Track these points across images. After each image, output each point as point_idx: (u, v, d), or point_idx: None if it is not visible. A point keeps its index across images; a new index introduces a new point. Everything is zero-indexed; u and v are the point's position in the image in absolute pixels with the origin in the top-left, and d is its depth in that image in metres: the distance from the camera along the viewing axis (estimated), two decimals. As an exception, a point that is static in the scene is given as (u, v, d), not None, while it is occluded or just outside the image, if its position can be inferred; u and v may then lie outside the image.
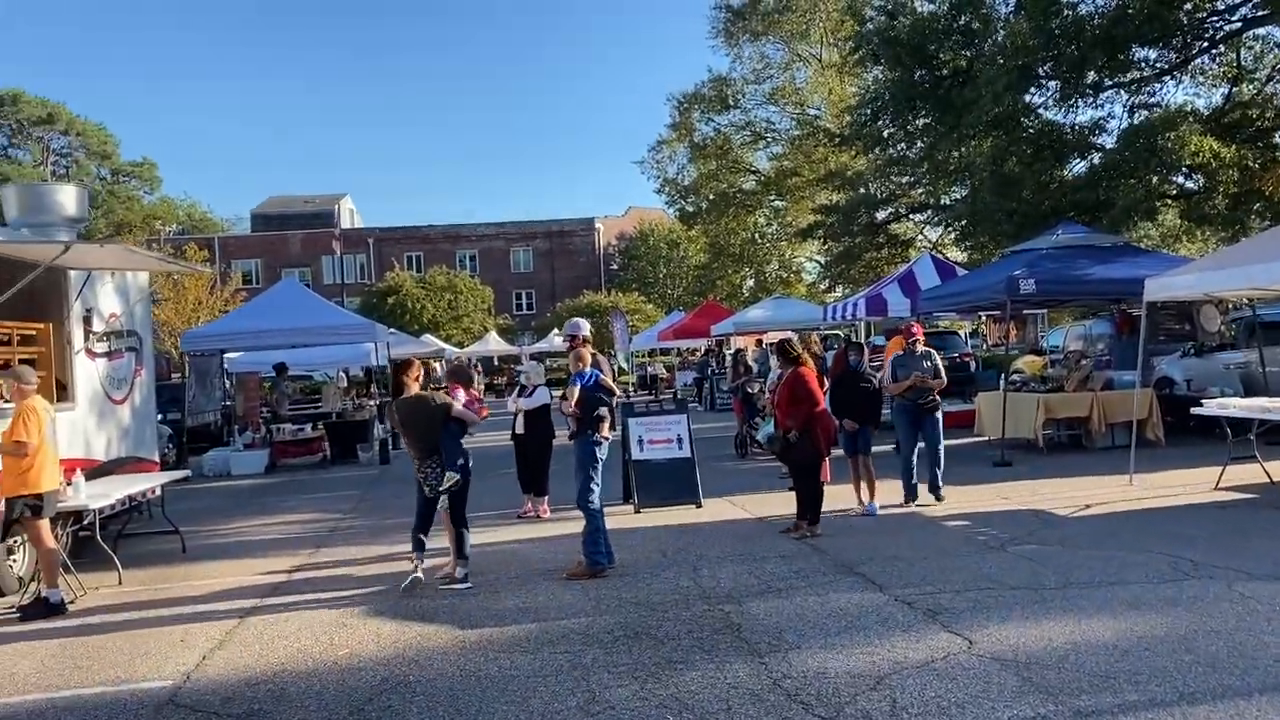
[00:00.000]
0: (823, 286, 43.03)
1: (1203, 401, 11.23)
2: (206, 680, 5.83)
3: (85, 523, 8.67)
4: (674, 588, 7.33)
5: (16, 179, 48.77)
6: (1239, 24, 20.08)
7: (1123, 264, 14.25)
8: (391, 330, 25.46)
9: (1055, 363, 17.85)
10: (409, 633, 6.57)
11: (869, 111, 24.76)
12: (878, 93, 24.78)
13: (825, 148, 38.17)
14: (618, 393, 9.24)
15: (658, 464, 11.15)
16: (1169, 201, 21.40)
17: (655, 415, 11.65)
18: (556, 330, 42.73)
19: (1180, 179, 20.33)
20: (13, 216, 10.83)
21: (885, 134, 25.65)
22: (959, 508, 9.98)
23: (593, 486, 8.00)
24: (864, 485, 10.05)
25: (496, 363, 49.28)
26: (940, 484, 10.38)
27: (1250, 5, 19.34)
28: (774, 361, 10.42)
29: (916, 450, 10.44)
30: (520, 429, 11.21)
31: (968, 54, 21.66)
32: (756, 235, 48.26)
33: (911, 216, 35.34)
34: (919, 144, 25.26)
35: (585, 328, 10.33)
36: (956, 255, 29.02)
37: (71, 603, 7.86)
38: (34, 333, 9.57)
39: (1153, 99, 21.46)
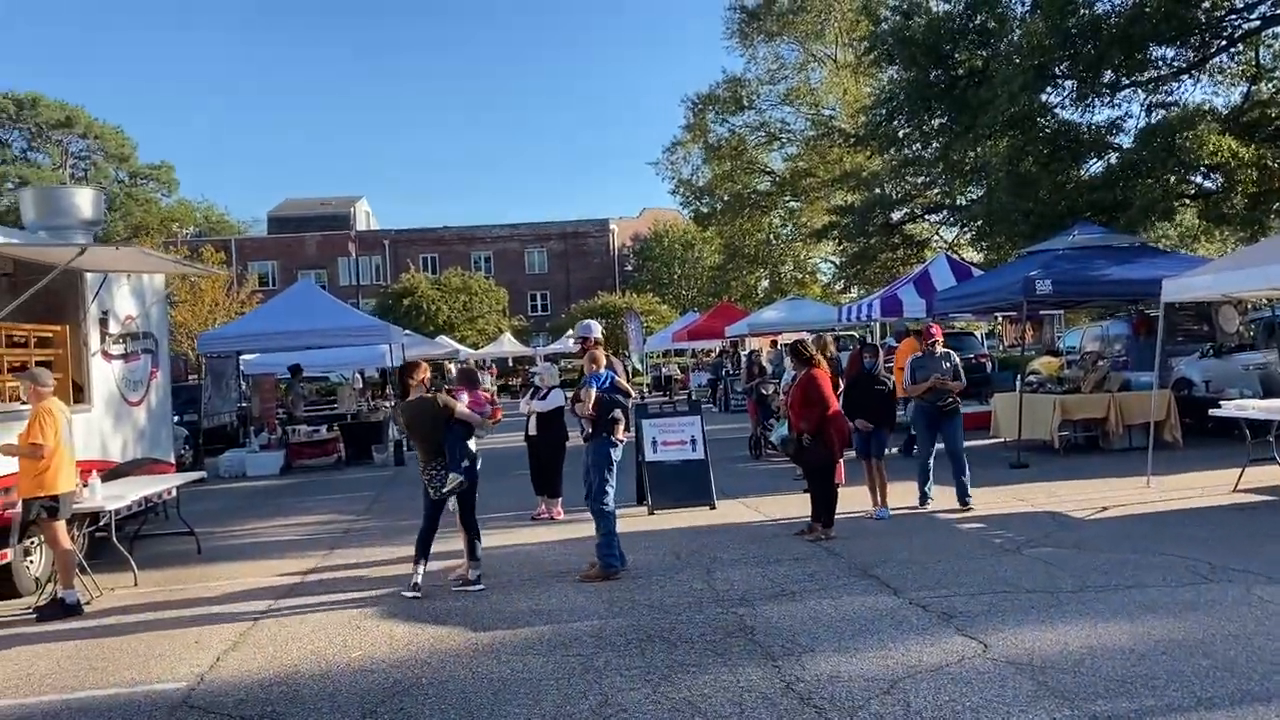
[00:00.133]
0: (838, 287, 42.88)
1: (1221, 403, 11.15)
2: (220, 682, 5.85)
3: (101, 524, 8.72)
4: (687, 590, 7.32)
5: (36, 182, 49.21)
6: (1258, 22, 19.89)
7: (1140, 264, 14.16)
8: (406, 332, 25.56)
9: (1072, 364, 17.71)
10: (422, 635, 6.57)
11: (884, 112, 24.74)
12: (893, 93, 24.74)
13: (840, 148, 38.05)
14: (633, 394, 9.21)
15: (671, 465, 11.11)
16: (1187, 201, 21.22)
17: (669, 416, 11.59)
18: (570, 332, 42.74)
19: (1198, 179, 20.16)
20: (30, 220, 10.91)
21: (900, 134, 25.61)
22: (974, 510, 9.91)
23: (607, 489, 7.99)
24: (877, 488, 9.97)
25: (511, 364, 49.38)
26: (969, 491, 10.01)
27: (1269, 3, 19.17)
28: (788, 363, 10.34)
29: (933, 454, 10.32)
30: (533, 430, 11.23)
31: (983, 54, 21.58)
32: (771, 236, 48.18)
33: (927, 217, 35.16)
34: (934, 144, 25.18)
35: (596, 329, 10.25)
36: (972, 256, 28.86)
37: (88, 604, 7.91)
38: (51, 335, 9.64)
39: (1170, 98, 21.29)
